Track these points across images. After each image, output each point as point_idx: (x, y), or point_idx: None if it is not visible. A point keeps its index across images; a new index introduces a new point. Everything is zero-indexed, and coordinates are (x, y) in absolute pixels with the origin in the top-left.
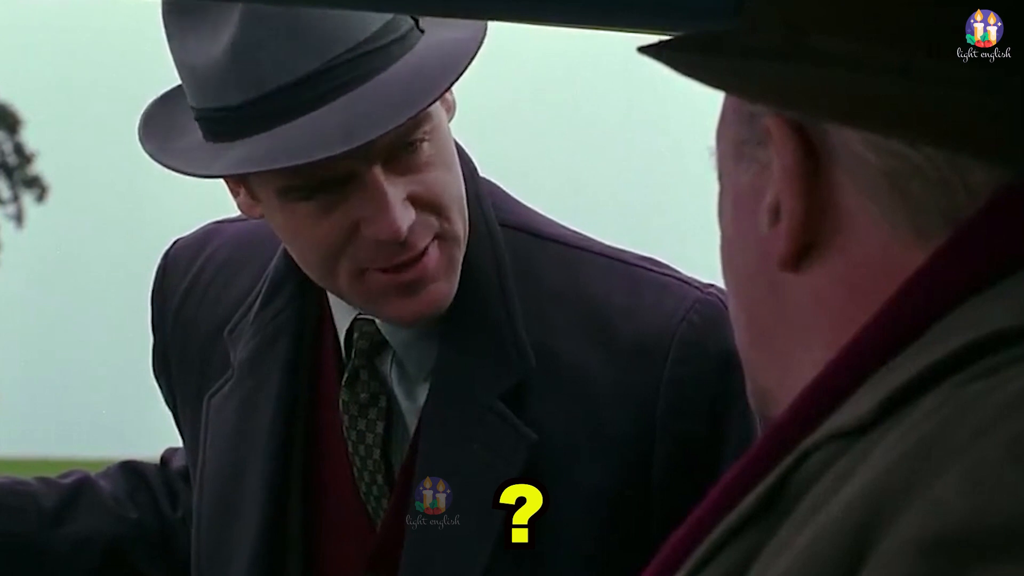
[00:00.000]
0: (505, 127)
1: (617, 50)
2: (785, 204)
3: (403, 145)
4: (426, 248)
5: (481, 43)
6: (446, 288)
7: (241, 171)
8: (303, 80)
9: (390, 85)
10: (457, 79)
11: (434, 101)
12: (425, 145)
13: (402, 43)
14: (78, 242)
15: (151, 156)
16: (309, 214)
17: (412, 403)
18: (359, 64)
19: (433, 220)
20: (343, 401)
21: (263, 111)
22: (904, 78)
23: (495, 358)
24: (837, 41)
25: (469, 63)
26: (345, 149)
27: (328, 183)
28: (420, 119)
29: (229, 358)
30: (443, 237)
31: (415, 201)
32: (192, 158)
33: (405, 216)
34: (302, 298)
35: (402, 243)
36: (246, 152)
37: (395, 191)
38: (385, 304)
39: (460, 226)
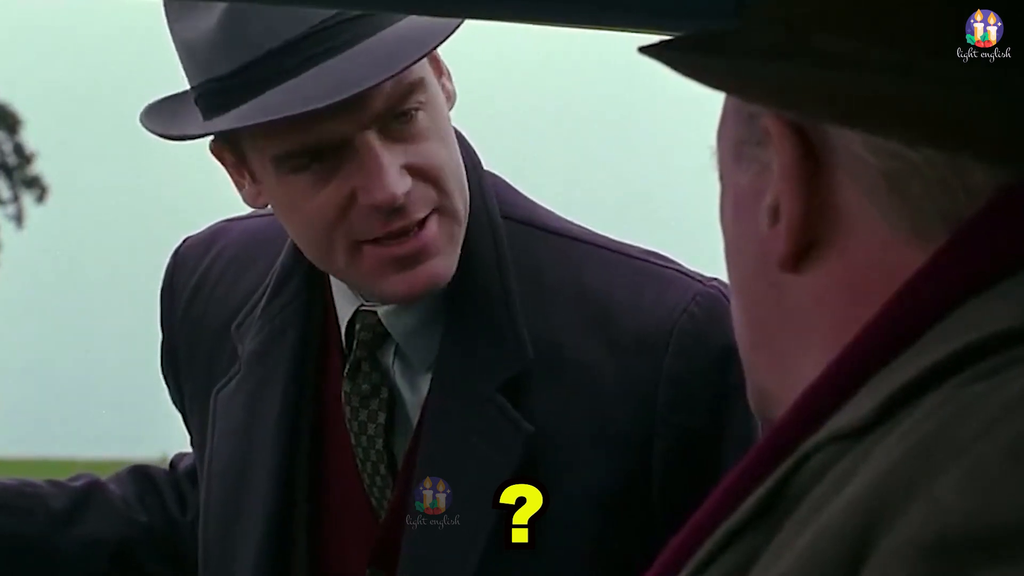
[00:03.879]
0: (505, 127)
1: (617, 50)
2: (784, 204)
3: (397, 115)
4: (424, 220)
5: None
6: (444, 264)
7: (232, 126)
8: (291, 44)
9: (377, 48)
10: (444, 40)
11: (421, 58)
12: (420, 115)
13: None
14: (78, 242)
15: (141, 123)
16: (306, 185)
17: (414, 394)
18: (347, 28)
19: (431, 192)
20: (345, 392)
21: (254, 76)
22: (904, 78)
23: (494, 350)
24: (837, 41)
25: (456, 28)
26: (334, 100)
27: (323, 150)
28: (413, 87)
29: (236, 353)
30: (441, 211)
31: (412, 171)
32: (185, 128)
33: (400, 182)
34: (308, 292)
35: (398, 210)
36: (237, 116)
37: (390, 157)
38: (383, 280)
39: (459, 202)
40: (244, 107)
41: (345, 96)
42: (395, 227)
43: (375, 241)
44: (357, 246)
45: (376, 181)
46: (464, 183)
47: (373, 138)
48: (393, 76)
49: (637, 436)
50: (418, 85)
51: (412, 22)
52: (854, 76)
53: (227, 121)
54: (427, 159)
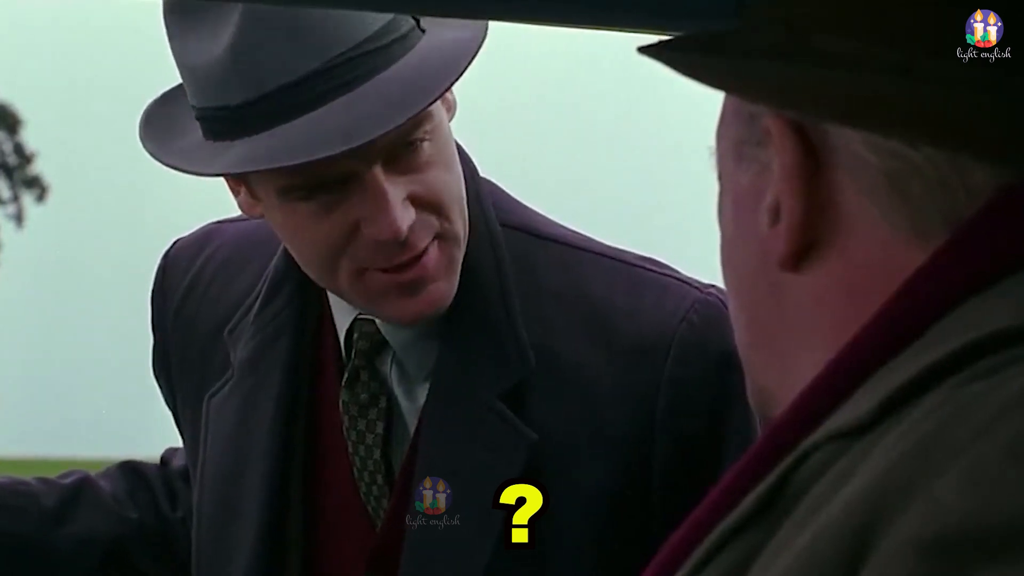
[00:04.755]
0: (505, 128)
1: (617, 50)
2: (785, 204)
3: (403, 144)
4: (426, 248)
5: (482, 43)
6: (446, 288)
7: (241, 170)
8: (303, 80)
9: (390, 85)
10: (457, 79)
11: (434, 101)
12: (426, 145)
13: (403, 43)
14: (78, 242)
15: (152, 155)
16: (309, 214)
17: (412, 403)
18: (359, 64)
19: (433, 220)
20: (343, 401)
21: (263, 110)
22: (904, 78)
23: (495, 358)
24: (838, 41)
25: (469, 63)
26: (345, 148)
27: (328, 183)
28: (421, 119)
29: (229, 358)
30: (443, 237)
31: (415, 201)
32: (193, 157)
33: (405, 216)
34: (302, 298)
35: (402, 243)
36: (246, 151)
37: (395, 191)
38: (385, 304)
39: (460, 226)
40: (252, 140)
41: (358, 143)
42: (400, 260)
43: (379, 268)
44: (362, 272)
45: (381, 216)
46: (464, 204)
47: (379, 172)
48: (409, 119)
49: (637, 442)
50: (426, 117)
51: (428, 51)
52: (855, 76)
53: (233, 160)
54: (431, 188)
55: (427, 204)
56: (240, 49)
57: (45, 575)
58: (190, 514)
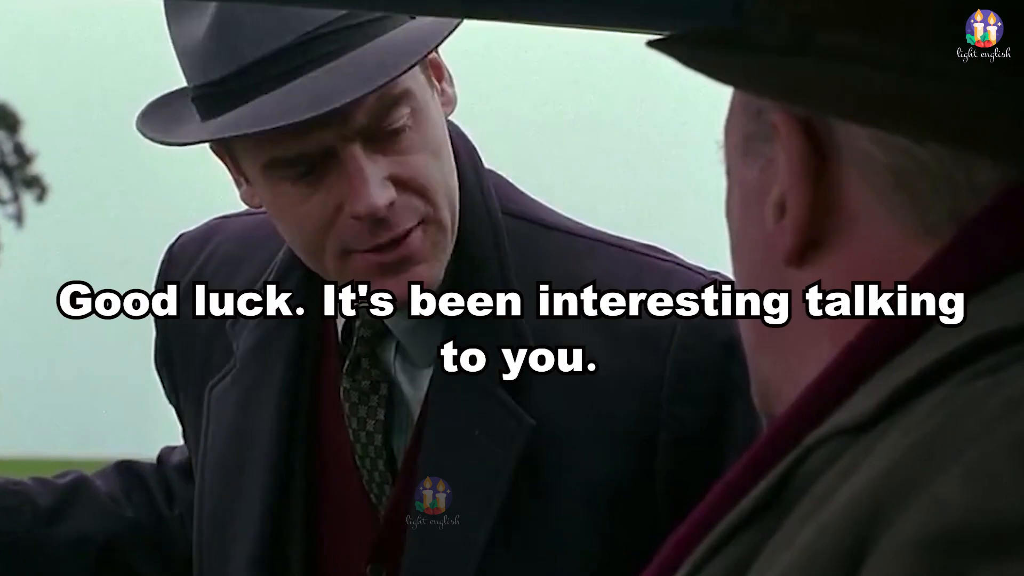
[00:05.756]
0: (505, 128)
1: (618, 50)
2: (790, 199)
3: (384, 128)
4: (410, 230)
5: (457, 25)
6: (429, 272)
7: (210, 138)
8: (278, 53)
9: (362, 60)
10: (424, 56)
11: (400, 75)
12: (408, 130)
13: (380, 23)
14: (78, 242)
15: (137, 128)
16: (295, 193)
17: (416, 390)
18: (334, 39)
19: (418, 203)
20: (344, 388)
21: (242, 84)
22: (911, 75)
23: (496, 344)
24: (844, 37)
25: (439, 43)
26: (310, 115)
27: (310, 159)
28: (398, 99)
29: (231, 349)
30: (428, 221)
31: (397, 182)
32: (172, 131)
33: (383, 193)
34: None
35: (383, 221)
36: (221, 123)
37: (374, 168)
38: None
39: (447, 213)
40: (229, 115)
41: (321, 112)
42: (382, 239)
43: (363, 250)
44: (346, 254)
45: (358, 192)
46: (454, 194)
47: (357, 149)
48: (372, 92)
49: (641, 429)
50: (404, 97)
51: (404, 32)
52: (862, 72)
53: (206, 131)
54: (413, 171)
55: (410, 186)
56: (220, 25)
57: (40, 574)
58: (187, 512)
